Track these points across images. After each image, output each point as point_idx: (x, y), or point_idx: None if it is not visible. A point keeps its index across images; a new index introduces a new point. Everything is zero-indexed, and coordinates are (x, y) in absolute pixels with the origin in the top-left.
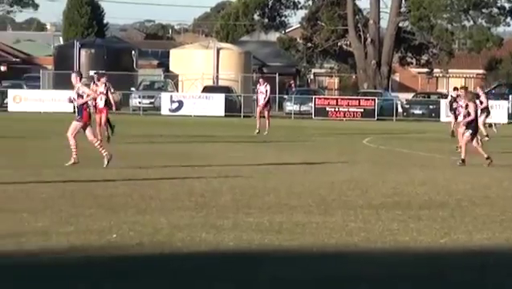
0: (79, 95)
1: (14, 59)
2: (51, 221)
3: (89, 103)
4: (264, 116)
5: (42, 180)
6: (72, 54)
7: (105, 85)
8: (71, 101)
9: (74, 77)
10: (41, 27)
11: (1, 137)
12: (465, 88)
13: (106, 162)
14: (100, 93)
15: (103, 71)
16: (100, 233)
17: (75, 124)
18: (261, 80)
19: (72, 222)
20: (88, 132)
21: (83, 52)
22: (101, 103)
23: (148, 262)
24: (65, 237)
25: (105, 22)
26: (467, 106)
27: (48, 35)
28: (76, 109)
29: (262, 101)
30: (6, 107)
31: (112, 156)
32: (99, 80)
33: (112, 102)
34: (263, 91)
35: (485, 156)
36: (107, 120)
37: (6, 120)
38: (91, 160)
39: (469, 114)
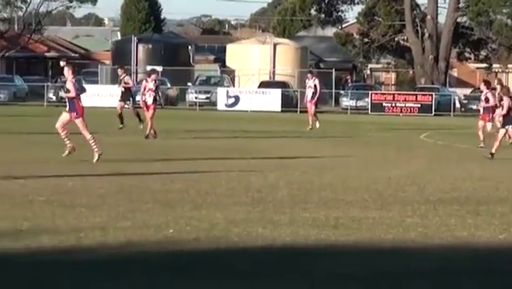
0: (68, 89)
1: (72, 55)
2: (109, 217)
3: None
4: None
5: (100, 174)
6: (130, 50)
7: (155, 82)
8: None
9: (66, 70)
10: (99, 22)
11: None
12: (501, 83)
13: (96, 158)
14: (149, 90)
15: (155, 68)
16: (157, 228)
17: (64, 116)
18: (309, 75)
19: (129, 217)
20: (81, 125)
21: (140, 47)
22: (150, 100)
23: (204, 257)
24: (122, 232)
25: (162, 17)
26: (487, 99)
27: (106, 30)
28: (67, 103)
29: (310, 96)
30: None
31: (102, 153)
32: (149, 76)
33: (160, 99)
34: (311, 85)
35: (492, 150)
36: (137, 114)
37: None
38: (146, 155)
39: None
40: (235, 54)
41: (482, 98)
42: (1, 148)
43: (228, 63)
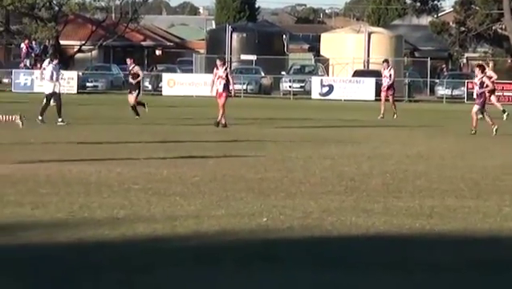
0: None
1: (168, 43)
2: (203, 205)
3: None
4: (388, 100)
5: (193, 163)
6: (224, 39)
7: (225, 69)
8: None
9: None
10: (194, 11)
11: (156, 123)
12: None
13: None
14: (219, 77)
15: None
16: (251, 216)
17: None
18: (385, 64)
19: (223, 206)
20: None
21: (234, 36)
22: (220, 88)
23: (298, 246)
24: (216, 220)
25: (257, 6)
26: (482, 84)
27: (201, 19)
28: None
29: (384, 85)
30: (161, 91)
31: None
32: (219, 64)
33: (232, 87)
34: (387, 74)
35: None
36: (138, 104)
37: (160, 103)
38: (238, 144)
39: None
40: (329, 43)
41: (477, 82)
42: (99, 136)
43: (322, 52)
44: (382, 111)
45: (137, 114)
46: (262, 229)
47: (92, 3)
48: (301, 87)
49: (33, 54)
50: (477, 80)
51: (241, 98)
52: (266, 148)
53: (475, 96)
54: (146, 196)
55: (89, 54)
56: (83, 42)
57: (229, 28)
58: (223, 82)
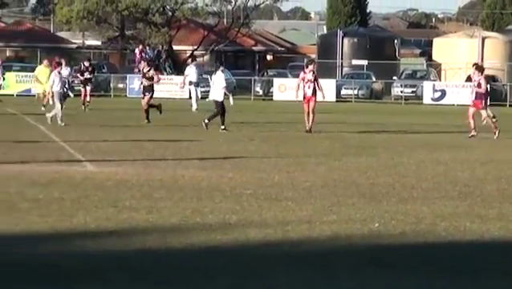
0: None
1: (279, 48)
2: (314, 210)
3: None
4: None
5: (305, 169)
6: (335, 43)
7: (313, 73)
8: None
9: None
10: (305, 16)
11: (266, 128)
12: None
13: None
14: (308, 81)
15: (312, 59)
16: (363, 222)
17: None
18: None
19: (335, 211)
20: None
21: (345, 41)
22: (309, 92)
23: (410, 252)
24: (328, 225)
25: (368, 10)
26: (480, 85)
27: (312, 24)
28: None
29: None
30: (272, 96)
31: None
32: (307, 67)
33: (321, 91)
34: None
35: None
36: (150, 105)
37: (271, 108)
38: (349, 149)
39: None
40: (442, 47)
41: (475, 83)
42: (216, 141)
43: (434, 57)
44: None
45: (147, 118)
46: (374, 234)
47: (204, 8)
48: (412, 92)
49: (147, 59)
50: (474, 81)
51: (352, 103)
52: (378, 153)
53: (473, 99)
54: (258, 201)
55: (201, 58)
56: (195, 47)
57: (340, 33)
58: (312, 86)
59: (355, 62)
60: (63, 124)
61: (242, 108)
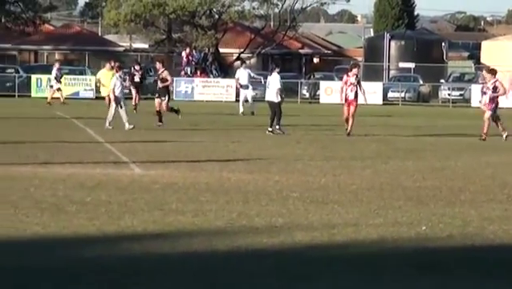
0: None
1: (325, 51)
2: (361, 213)
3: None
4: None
5: (351, 172)
6: (382, 46)
7: (356, 76)
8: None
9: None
10: (352, 19)
11: (313, 130)
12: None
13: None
14: (351, 84)
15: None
16: (409, 225)
17: None
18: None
19: (381, 214)
20: None
21: (392, 44)
22: (351, 95)
23: (458, 255)
24: (374, 229)
25: (416, 13)
26: (495, 88)
27: (359, 27)
28: None
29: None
30: (318, 99)
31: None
32: (351, 70)
33: (363, 95)
34: (490, 87)
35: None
36: (171, 109)
37: (318, 111)
38: (395, 152)
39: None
40: (491, 50)
41: (490, 86)
42: (262, 144)
43: (483, 60)
44: (501, 128)
45: (160, 120)
46: (421, 237)
47: (251, 11)
48: (460, 95)
49: (193, 63)
50: (489, 85)
51: (399, 106)
52: (425, 156)
53: (487, 101)
54: (304, 204)
55: (247, 62)
56: (242, 50)
57: (387, 36)
58: (354, 90)
59: (402, 65)
60: (111, 127)
61: (289, 111)
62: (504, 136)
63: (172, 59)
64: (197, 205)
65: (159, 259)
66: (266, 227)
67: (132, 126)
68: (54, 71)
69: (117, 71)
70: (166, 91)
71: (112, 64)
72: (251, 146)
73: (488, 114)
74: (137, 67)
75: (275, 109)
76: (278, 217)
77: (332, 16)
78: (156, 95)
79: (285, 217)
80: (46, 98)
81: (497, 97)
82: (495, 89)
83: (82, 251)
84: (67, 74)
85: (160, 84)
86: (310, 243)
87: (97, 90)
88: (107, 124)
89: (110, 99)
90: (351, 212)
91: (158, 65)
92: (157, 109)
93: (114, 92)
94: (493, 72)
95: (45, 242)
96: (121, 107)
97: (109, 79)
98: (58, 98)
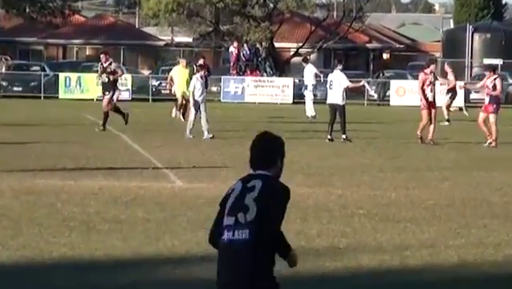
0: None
1: (397, 46)
2: (438, 233)
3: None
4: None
5: (426, 185)
6: (464, 40)
7: (433, 74)
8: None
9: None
10: (428, 8)
11: (381, 137)
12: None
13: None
14: (430, 83)
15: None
16: (496, 246)
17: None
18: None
19: (463, 234)
20: None
21: (476, 37)
22: (431, 96)
23: None
24: (454, 250)
25: (503, 2)
26: (495, 87)
27: (436, 18)
28: None
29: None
30: (388, 100)
31: None
32: (428, 67)
33: (429, 97)
34: (489, 85)
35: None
36: (114, 109)
37: (388, 115)
38: (481, 162)
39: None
40: None
41: (489, 85)
42: (317, 153)
43: None
44: (494, 134)
45: (103, 125)
46: (510, 261)
47: (312, 0)
48: None
49: (244, 59)
50: (489, 83)
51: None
52: (501, 167)
53: (486, 102)
54: (372, 222)
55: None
56: (301, 44)
57: (470, 28)
58: (434, 90)
59: (487, 61)
60: (192, 136)
61: (354, 115)
62: (487, 142)
63: (219, 54)
64: None
65: (203, 286)
66: (328, 249)
67: (211, 135)
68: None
69: (198, 71)
70: (112, 86)
71: (202, 61)
72: (310, 155)
73: (493, 117)
74: (201, 62)
75: (339, 113)
76: (341, 237)
77: (405, 5)
78: (102, 92)
79: (349, 238)
80: (74, 99)
81: (497, 96)
82: (495, 88)
83: (115, 276)
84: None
85: (104, 78)
86: (379, 268)
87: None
88: (187, 133)
89: (183, 102)
90: (427, 231)
91: (103, 57)
92: (104, 110)
93: (194, 96)
94: (492, 69)
95: (73, 265)
96: (201, 113)
97: (184, 79)
98: (87, 99)
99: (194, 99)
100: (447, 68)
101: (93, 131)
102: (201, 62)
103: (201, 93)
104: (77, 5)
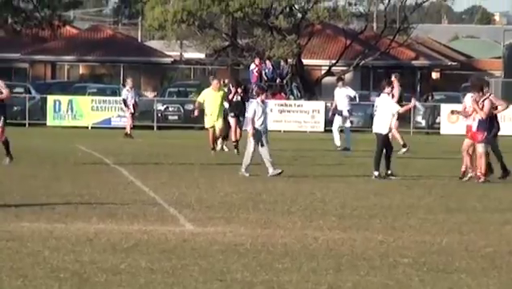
0: None
1: (449, 63)
2: (499, 286)
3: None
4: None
5: (484, 228)
6: None
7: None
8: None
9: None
10: (487, 19)
11: (430, 173)
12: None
13: None
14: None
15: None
16: None
17: None
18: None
19: None
20: None
21: None
22: (475, 125)
23: None
24: None
25: None
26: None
27: (497, 30)
28: None
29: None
30: (438, 128)
31: None
32: (479, 90)
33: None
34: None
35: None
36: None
37: (438, 145)
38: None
39: None
40: None
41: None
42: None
43: None
44: (469, 165)
45: (7, 153)
46: None
47: (347, 9)
48: None
49: (266, 78)
50: (474, 104)
51: None
52: None
53: (476, 129)
54: (419, 273)
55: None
56: (334, 61)
57: None
58: (478, 117)
59: None
60: (248, 174)
61: (398, 144)
62: (468, 176)
63: (237, 72)
64: (271, 275)
65: None
66: None
67: (279, 170)
68: (125, 92)
69: (258, 94)
70: (1, 110)
71: (260, 87)
72: (345, 194)
73: (481, 148)
74: (235, 85)
75: (384, 144)
76: None
77: (459, 15)
78: None
79: None
80: (65, 127)
81: (485, 121)
82: (482, 109)
83: None
84: (94, 94)
85: None
86: None
87: (186, 118)
88: (243, 170)
89: (217, 133)
90: (485, 284)
91: None
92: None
93: (253, 123)
94: (477, 88)
95: None
96: (262, 145)
97: (216, 105)
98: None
99: (254, 128)
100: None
101: (86, 163)
102: (254, 88)
103: (263, 121)
104: (68, 14)
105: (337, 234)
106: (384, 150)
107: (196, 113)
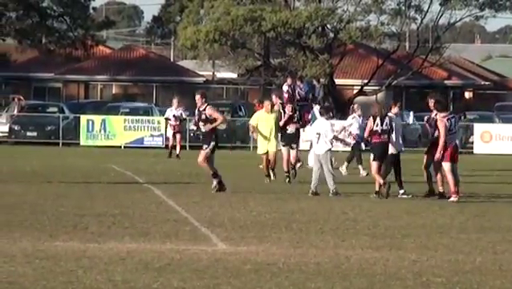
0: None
1: (482, 83)
2: None
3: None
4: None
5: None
6: None
7: None
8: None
9: (198, 98)
10: None
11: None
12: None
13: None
14: None
15: None
16: None
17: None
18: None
19: None
20: None
21: None
22: None
23: None
24: None
25: None
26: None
27: None
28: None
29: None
30: (472, 148)
31: None
32: None
33: None
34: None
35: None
36: None
37: (471, 164)
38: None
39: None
40: None
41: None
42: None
43: None
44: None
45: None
46: None
47: (379, 28)
48: None
49: (298, 97)
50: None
51: None
52: None
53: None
54: None
55: (373, 97)
56: (366, 80)
57: None
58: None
59: None
60: (339, 194)
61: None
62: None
63: (270, 92)
64: None
65: None
66: None
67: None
68: (168, 112)
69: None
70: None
71: (275, 101)
72: (377, 213)
73: (448, 166)
74: (289, 106)
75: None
76: None
77: (492, 34)
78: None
79: None
80: (98, 146)
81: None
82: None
83: None
84: (127, 114)
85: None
86: None
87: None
88: (331, 190)
89: (270, 158)
90: None
91: (199, 99)
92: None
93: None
94: (440, 107)
95: None
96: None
97: (268, 128)
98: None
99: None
100: None
101: (119, 183)
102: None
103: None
104: (101, 34)
105: (369, 253)
106: (393, 170)
107: (255, 136)
